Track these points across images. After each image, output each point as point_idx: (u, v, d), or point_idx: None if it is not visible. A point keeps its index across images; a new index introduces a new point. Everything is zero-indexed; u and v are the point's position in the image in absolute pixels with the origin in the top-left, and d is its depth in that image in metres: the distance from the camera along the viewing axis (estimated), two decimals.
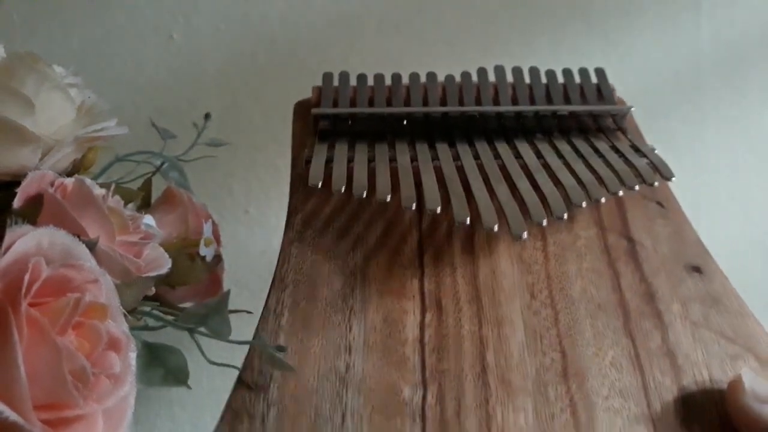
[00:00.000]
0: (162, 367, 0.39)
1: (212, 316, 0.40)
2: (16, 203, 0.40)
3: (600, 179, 0.46)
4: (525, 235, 0.41)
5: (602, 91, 0.54)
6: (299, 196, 0.49)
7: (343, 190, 0.45)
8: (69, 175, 0.45)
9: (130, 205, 0.49)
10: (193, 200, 0.53)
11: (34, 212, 0.40)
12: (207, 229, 0.52)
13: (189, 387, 0.40)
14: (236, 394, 0.37)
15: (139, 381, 0.38)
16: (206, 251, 0.51)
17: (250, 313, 0.48)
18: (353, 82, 0.55)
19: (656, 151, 0.50)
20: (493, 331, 0.40)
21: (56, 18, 0.74)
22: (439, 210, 0.43)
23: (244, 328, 0.73)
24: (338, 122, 0.52)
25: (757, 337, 0.40)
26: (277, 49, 0.75)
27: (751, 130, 0.79)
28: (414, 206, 0.43)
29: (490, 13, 0.76)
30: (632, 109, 0.54)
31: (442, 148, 0.50)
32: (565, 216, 0.43)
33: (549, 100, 0.54)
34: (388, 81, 0.55)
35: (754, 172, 0.79)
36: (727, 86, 0.78)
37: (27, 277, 0.34)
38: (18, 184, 0.41)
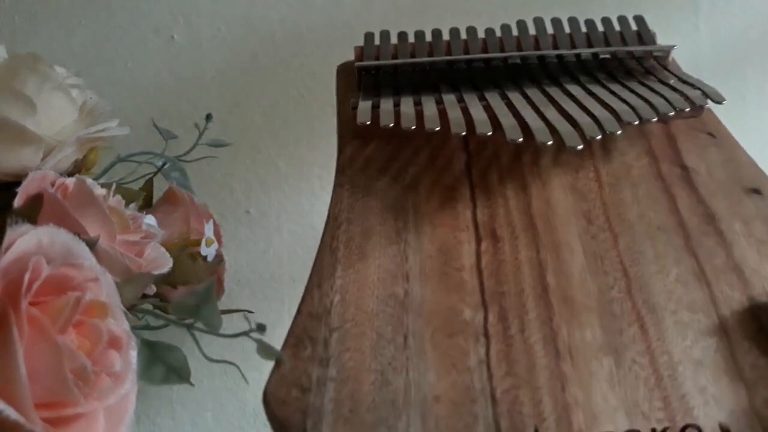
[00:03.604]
0: (163, 365, 0.39)
1: (203, 306, 0.40)
2: (17, 203, 0.40)
3: (650, 103, 0.45)
4: (580, 146, 0.40)
5: (642, 35, 0.54)
6: (346, 143, 0.48)
7: (391, 125, 0.44)
8: (71, 175, 0.45)
9: (131, 205, 0.49)
10: (195, 200, 0.53)
11: (34, 212, 0.41)
12: (208, 229, 0.52)
13: (191, 384, 0.40)
14: (297, 322, 0.36)
15: (139, 379, 0.38)
16: (208, 251, 0.51)
17: (250, 312, 0.48)
18: (394, 40, 0.54)
19: (702, 82, 0.49)
20: (551, 255, 0.40)
21: (57, 19, 0.74)
22: (490, 133, 0.42)
23: (244, 327, 0.73)
24: (381, 75, 0.52)
25: None
26: (277, 49, 0.75)
27: (749, 130, 0.79)
28: (464, 132, 0.42)
29: (489, 14, 0.76)
30: (675, 47, 0.53)
31: (488, 91, 0.49)
32: (619, 132, 0.42)
33: (590, 45, 0.53)
34: (428, 37, 0.55)
35: None
36: (726, 87, 0.77)
37: (27, 276, 0.34)
38: (19, 184, 0.42)
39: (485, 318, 0.36)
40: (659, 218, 0.42)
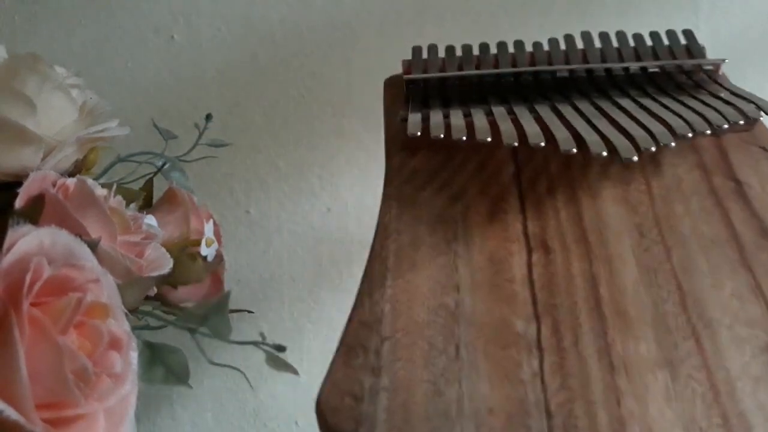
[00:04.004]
0: (163, 367, 0.39)
1: (212, 316, 0.40)
2: (18, 203, 0.41)
3: (702, 116, 0.45)
4: (635, 158, 0.40)
5: (692, 49, 0.54)
6: (394, 155, 0.48)
7: (442, 136, 0.44)
8: (71, 175, 0.45)
9: (131, 206, 0.49)
10: (195, 200, 0.53)
11: (35, 212, 0.41)
12: (208, 229, 0.52)
13: (190, 386, 0.40)
14: (349, 330, 0.36)
15: (140, 380, 0.38)
16: (208, 251, 0.51)
17: (251, 312, 0.48)
18: (441, 54, 0.55)
19: (755, 95, 0.49)
20: (604, 267, 0.39)
21: (57, 19, 0.74)
22: (543, 144, 0.42)
23: (245, 327, 0.74)
24: (429, 88, 0.52)
25: None
26: (277, 49, 0.75)
27: None
28: (516, 143, 0.42)
29: (489, 14, 0.76)
30: (725, 61, 0.53)
31: (537, 103, 0.49)
32: (673, 144, 0.42)
33: (638, 59, 0.53)
34: (475, 51, 0.55)
35: None
36: None
37: (29, 277, 0.34)
38: (20, 184, 0.42)
39: (538, 330, 0.35)
40: (712, 232, 0.41)
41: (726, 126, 0.44)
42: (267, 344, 0.40)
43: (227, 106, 0.76)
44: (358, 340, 0.35)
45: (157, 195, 0.54)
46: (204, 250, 0.51)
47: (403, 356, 0.34)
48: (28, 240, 0.35)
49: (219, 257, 0.53)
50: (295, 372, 0.41)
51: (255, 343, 0.40)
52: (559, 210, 0.43)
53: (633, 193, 0.44)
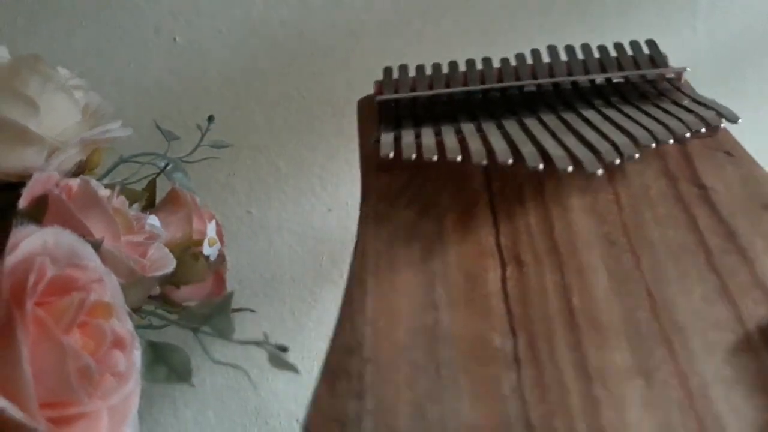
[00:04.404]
0: (165, 365, 0.39)
1: (215, 315, 0.40)
2: (22, 204, 0.41)
3: (665, 126, 0.46)
4: (600, 171, 0.41)
5: (655, 58, 0.55)
6: (369, 174, 0.49)
7: (413, 157, 0.45)
8: (74, 176, 0.46)
9: (134, 206, 0.49)
10: (197, 201, 0.54)
11: (39, 213, 0.41)
12: (211, 228, 0.52)
13: (192, 384, 0.40)
14: (331, 355, 0.37)
15: (143, 379, 0.38)
16: (210, 251, 0.51)
17: (252, 311, 0.48)
18: (412, 73, 0.56)
19: (717, 102, 0.50)
20: (575, 278, 0.39)
21: (59, 20, 0.74)
22: (510, 161, 0.43)
23: (246, 326, 0.74)
24: (401, 107, 0.53)
25: None
26: (278, 50, 0.76)
27: (747, 131, 0.79)
28: (485, 161, 0.43)
29: (488, 15, 0.76)
30: (687, 69, 0.54)
31: (505, 119, 0.50)
32: (637, 156, 0.43)
33: (603, 70, 0.54)
34: (445, 69, 0.56)
35: None
36: (724, 88, 0.78)
37: (32, 277, 0.34)
38: (23, 184, 0.42)
39: (515, 344, 0.36)
40: (680, 238, 0.41)
41: (688, 135, 0.45)
42: (270, 344, 0.40)
43: (229, 107, 0.76)
44: (340, 365, 0.36)
45: (159, 196, 0.54)
46: (206, 250, 0.51)
47: (386, 378, 0.35)
48: (31, 240, 0.35)
49: (221, 257, 0.54)
50: (296, 371, 0.42)
51: (258, 343, 0.41)
52: (530, 223, 0.43)
53: (601, 203, 0.44)
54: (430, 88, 0.54)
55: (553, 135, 0.46)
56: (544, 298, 0.38)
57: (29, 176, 0.42)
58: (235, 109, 0.76)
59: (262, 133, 0.77)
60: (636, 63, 0.55)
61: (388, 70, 0.56)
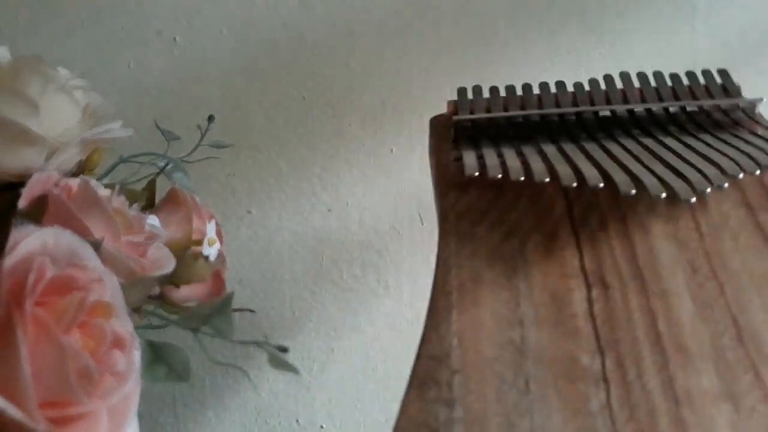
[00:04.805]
0: (165, 365, 0.39)
1: (215, 315, 0.41)
2: (22, 204, 0.41)
3: (749, 156, 0.47)
4: (693, 199, 0.42)
5: (728, 88, 0.56)
6: (445, 194, 0.49)
7: (500, 176, 0.46)
8: (74, 176, 0.46)
9: (134, 206, 0.49)
10: (197, 200, 0.54)
11: (39, 213, 0.41)
12: (210, 228, 0.52)
13: (191, 385, 0.40)
14: (419, 364, 0.37)
15: (142, 378, 0.38)
16: (210, 251, 0.51)
17: (252, 311, 0.48)
18: (485, 94, 0.57)
19: None
20: (660, 302, 0.40)
21: (59, 20, 0.74)
22: (602, 185, 0.44)
23: (246, 326, 0.74)
24: (476, 128, 0.54)
25: None
26: (278, 51, 0.76)
27: None
28: (574, 183, 0.44)
29: (488, 15, 0.76)
30: (762, 100, 0.54)
31: (586, 143, 0.51)
32: (726, 185, 0.44)
33: (677, 98, 0.55)
34: (518, 91, 0.57)
35: None
36: None
37: (32, 277, 0.34)
38: (23, 184, 0.42)
39: (603, 364, 0.36)
40: (763, 267, 0.42)
41: None
42: (270, 345, 0.40)
43: (229, 107, 0.76)
44: (429, 374, 0.36)
45: (159, 195, 0.54)
46: (206, 250, 0.51)
47: (474, 389, 0.35)
48: (31, 240, 0.35)
49: (221, 257, 0.54)
50: (296, 372, 0.42)
51: (258, 343, 0.41)
52: (613, 247, 0.44)
53: (682, 230, 0.45)
54: (505, 110, 0.55)
55: (640, 161, 0.47)
56: (630, 320, 0.39)
57: (29, 176, 0.42)
58: (236, 109, 0.76)
59: (262, 133, 0.77)
60: (709, 92, 0.55)
61: (462, 91, 0.57)
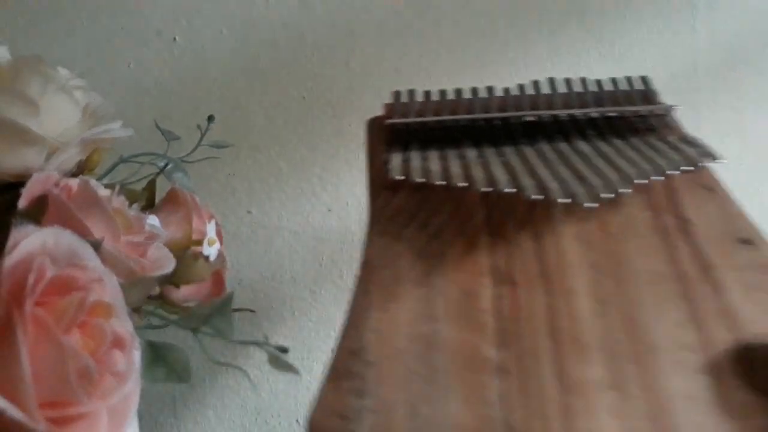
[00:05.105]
0: (165, 365, 0.39)
1: (216, 316, 0.41)
2: (22, 204, 0.41)
3: (654, 164, 0.50)
4: (595, 205, 0.46)
5: (647, 94, 0.59)
6: (377, 193, 0.53)
7: (422, 180, 0.49)
8: (74, 176, 0.46)
9: (134, 206, 0.49)
10: (197, 200, 0.54)
11: (39, 213, 0.41)
12: (210, 228, 0.52)
13: (191, 385, 0.40)
14: (338, 356, 0.40)
15: (142, 378, 0.38)
16: (210, 251, 0.51)
17: (252, 311, 0.48)
18: (419, 98, 0.60)
19: (701, 140, 0.53)
20: (562, 300, 0.43)
21: (59, 20, 0.74)
22: (512, 190, 0.47)
23: (246, 326, 0.74)
24: (409, 131, 0.57)
25: None
26: (278, 51, 0.76)
27: (747, 131, 0.79)
28: (488, 188, 0.48)
29: (488, 15, 0.76)
30: (676, 107, 0.57)
31: (506, 147, 0.54)
32: (630, 190, 0.47)
33: (599, 104, 0.58)
34: (451, 96, 0.60)
35: (751, 173, 0.79)
36: (723, 88, 0.78)
37: (32, 277, 0.34)
38: (23, 184, 0.42)
39: (504, 356, 0.39)
40: (659, 267, 0.45)
41: (674, 173, 0.49)
42: (270, 345, 0.40)
43: (229, 107, 0.76)
44: (345, 367, 0.39)
45: (159, 195, 0.54)
46: (206, 250, 0.51)
47: (385, 380, 0.38)
48: (31, 240, 0.35)
49: (221, 257, 0.53)
50: (296, 372, 0.42)
51: (258, 344, 0.41)
52: (524, 248, 0.47)
53: (590, 232, 0.48)
54: (436, 113, 0.58)
55: (550, 167, 0.50)
56: (532, 316, 0.42)
57: (29, 176, 0.42)
58: (236, 109, 0.76)
59: (262, 133, 0.77)
60: (630, 98, 0.58)
61: (397, 94, 0.60)
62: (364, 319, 0.42)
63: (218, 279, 0.54)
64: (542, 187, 0.47)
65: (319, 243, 0.78)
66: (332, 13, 0.75)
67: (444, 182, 0.49)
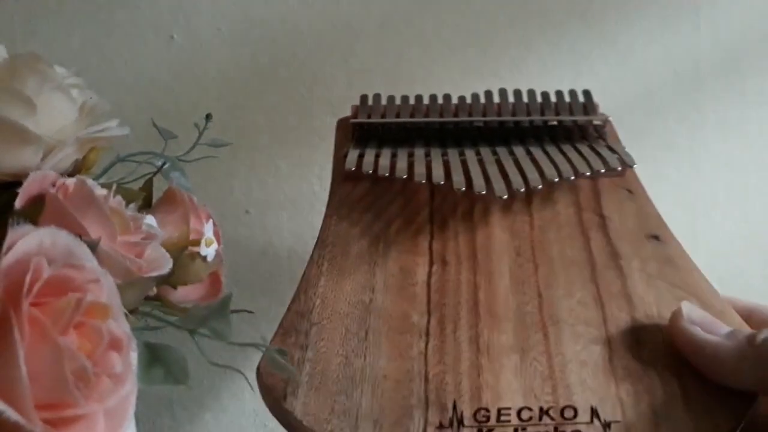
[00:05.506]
0: (162, 367, 0.39)
1: (214, 317, 0.40)
2: (18, 203, 0.40)
3: (571, 163, 0.57)
4: (505, 196, 0.53)
5: (587, 107, 0.64)
6: (337, 183, 0.60)
7: (370, 171, 0.57)
8: (70, 175, 0.45)
9: (131, 206, 0.49)
10: (194, 200, 0.53)
11: (35, 212, 0.41)
12: (208, 229, 0.52)
13: (189, 387, 0.40)
14: (287, 318, 0.48)
15: (139, 381, 0.38)
16: (207, 251, 0.51)
17: (251, 312, 0.48)
18: (384, 101, 0.66)
19: (626, 149, 0.60)
20: (485, 278, 0.51)
21: (56, 18, 0.74)
22: (442, 182, 0.54)
23: (245, 327, 0.74)
24: (371, 130, 0.64)
25: (701, 286, 0.50)
26: (277, 49, 0.76)
27: (750, 131, 0.79)
28: (423, 180, 0.55)
29: (488, 14, 0.76)
30: (609, 118, 0.63)
31: (450, 148, 0.61)
32: (540, 186, 0.54)
33: (542, 113, 0.64)
34: (412, 101, 0.66)
35: (752, 173, 0.79)
36: (726, 87, 0.78)
37: (28, 277, 0.34)
38: (19, 184, 0.42)
39: (428, 322, 0.48)
40: (573, 254, 0.53)
41: (588, 173, 0.56)
42: (268, 347, 0.40)
43: (227, 105, 0.76)
44: (293, 325, 0.47)
45: (156, 195, 0.54)
46: (204, 250, 0.51)
47: (325, 337, 0.47)
48: (27, 240, 0.35)
49: (219, 257, 0.53)
50: (294, 373, 0.42)
51: (256, 346, 0.41)
52: (458, 233, 0.55)
53: (518, 223, 0.56)
54: (397, 116, 0.64)
55: (482, 165, 0.57)
56: (457, 290, 0.50)
57: (26, 175, 0.42)
58: (234, 108, 0.76)
59: (260, 133, 0.77)
60: (571, 109, 0.64)
61: (364, 98, 0.66)
62: (313, 286, 0.50)
63: (216, 280, 0.54)
64: (468, 181, 0.55)
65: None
66: (332, 11, 0.75)
67: (387, 174, 0.56)
